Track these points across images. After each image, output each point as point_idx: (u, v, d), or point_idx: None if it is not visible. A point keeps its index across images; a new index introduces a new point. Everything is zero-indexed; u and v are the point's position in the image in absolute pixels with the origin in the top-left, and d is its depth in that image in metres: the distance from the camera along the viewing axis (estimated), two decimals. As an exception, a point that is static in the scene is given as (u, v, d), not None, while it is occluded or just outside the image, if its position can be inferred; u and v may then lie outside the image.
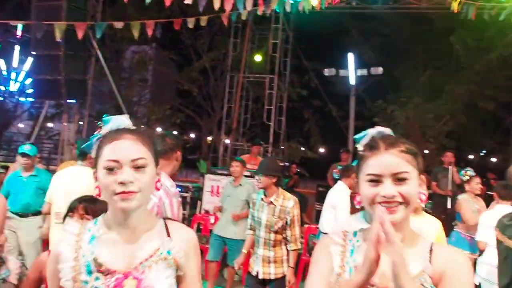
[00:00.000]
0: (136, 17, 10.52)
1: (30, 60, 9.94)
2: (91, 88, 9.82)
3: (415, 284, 1.07)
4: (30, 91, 13.74)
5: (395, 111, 13.28)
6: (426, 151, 12.73)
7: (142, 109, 18.22)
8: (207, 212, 7.30)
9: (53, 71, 8.63)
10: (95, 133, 1.37)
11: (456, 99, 12.36)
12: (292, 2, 6.68)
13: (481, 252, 4.15)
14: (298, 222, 3.81)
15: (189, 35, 15.27)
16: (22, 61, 14.96)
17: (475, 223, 5.01)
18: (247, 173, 6.10)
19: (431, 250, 1.22)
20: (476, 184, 5.31)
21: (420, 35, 13.66)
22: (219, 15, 6.19)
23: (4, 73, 15.76)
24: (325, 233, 4.37)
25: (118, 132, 1.28)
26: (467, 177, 5.43)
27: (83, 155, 4.03)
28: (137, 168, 1.23)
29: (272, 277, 3.77)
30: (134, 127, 1.33)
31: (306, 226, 6.48)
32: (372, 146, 1.25)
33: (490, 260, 3.63)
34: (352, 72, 11.41)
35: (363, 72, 11.64)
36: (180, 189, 3.72)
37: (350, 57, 11.41)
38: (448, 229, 4.49)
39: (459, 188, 7.12)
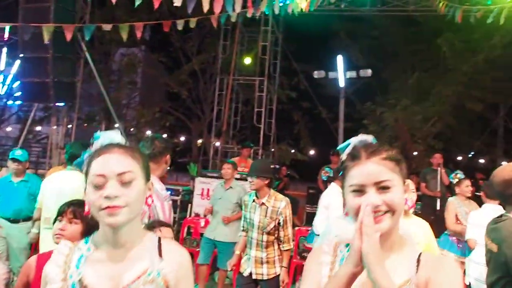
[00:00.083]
0: (125, 19, 10.45)
1: (17, 62, 9.79)
2: (80, 90, 9.76)
3: (389, 278, 1.06)
4: (18, 94, 13.53)
5: (384, 113, 13.34)
6: (415, 153, 12.83)
7: (131, 112, 18.10)
8: (197, 215, 7.28)
9: (41, 74, 8.50)
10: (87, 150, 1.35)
11: (444, 100, 12.46)
12: (281, 4, 6.68)
13: (471, 250, 4.19)
14: (290, 222, 3.84)
15: (178, 37, 15.18)
16: (9, 64, 14.73)
17: (455, 229, 5.08)
18: (237, 176, 6.10)
19: (418, 260, 1.21)
20: (466, 187, 5.34)
21: (408, 37, 13.82)
22: (208, 17, 6.18)
23: (-8, 76, 15.56)
24: (319, 235, 4.38)
25: (107, 147, 1.27)
26: (457, 180, 5.47)
27: (72, 159, 4.00)
28: (124, 182, 1.21)
29: (265, 277, 3.80)
30: (124, 143, 1.32)
31: (296, 228, 6.48)
32: (354, 155, 1.24)
33: (479, 259, 3.66)
34: (341, 74, 11.45)
35: (352, 74, 11.68)
36: (170, 192, 3.70)
37: (339, 59, 11.46)
38: (438, 230, 4.51)
39: (448, 189, 7.20)
